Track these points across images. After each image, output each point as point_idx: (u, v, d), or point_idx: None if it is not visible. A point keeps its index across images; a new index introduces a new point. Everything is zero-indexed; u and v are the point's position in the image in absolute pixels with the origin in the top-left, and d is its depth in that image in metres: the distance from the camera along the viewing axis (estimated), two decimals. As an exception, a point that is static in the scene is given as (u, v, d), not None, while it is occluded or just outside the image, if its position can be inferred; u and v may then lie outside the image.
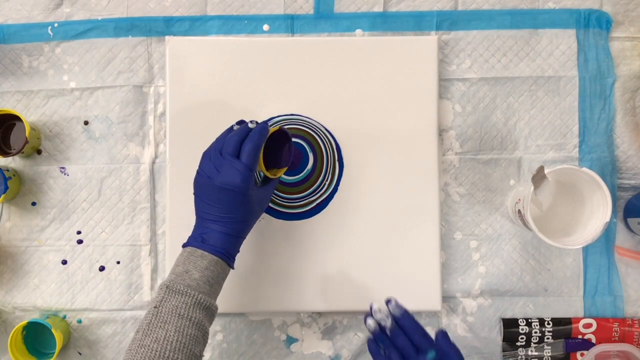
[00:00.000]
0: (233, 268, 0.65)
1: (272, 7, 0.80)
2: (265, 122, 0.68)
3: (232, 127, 0.68)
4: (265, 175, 0.69)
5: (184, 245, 0.65)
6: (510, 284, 0.78)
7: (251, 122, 0.66)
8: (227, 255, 0.64)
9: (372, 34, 0.80)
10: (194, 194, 0.65)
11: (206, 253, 0.62)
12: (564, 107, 0.80)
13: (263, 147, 0.65)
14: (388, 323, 0.64)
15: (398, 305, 0.64)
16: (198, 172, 0.65)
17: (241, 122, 0.69)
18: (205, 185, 0.64)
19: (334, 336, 0.79)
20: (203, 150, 0.66)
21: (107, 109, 0.80)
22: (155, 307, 0.60)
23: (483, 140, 0.80)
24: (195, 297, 0.60)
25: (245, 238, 0.67)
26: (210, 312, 0.62)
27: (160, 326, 0.58)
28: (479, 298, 0.79)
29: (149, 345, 0.57)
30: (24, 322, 0.74)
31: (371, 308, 0.65)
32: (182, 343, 0.58)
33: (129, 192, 0.79)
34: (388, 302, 0.65)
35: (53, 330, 0.73)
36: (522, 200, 0.71)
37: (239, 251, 0.66)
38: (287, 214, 0.78)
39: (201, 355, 0.61)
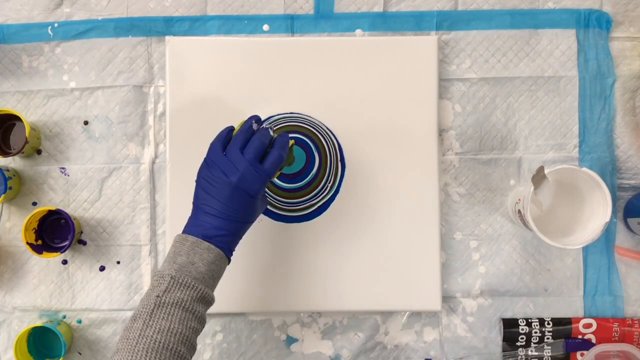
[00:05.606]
0: (230, 262, 0.66)
1: (272, 7, 0.80)
2: (286, 134, 0.68)
3: (250, 124, 0.66)
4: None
5: (184, 233, 0.63)
6: (510, 284, 0.78)
7: (270, 128, 0.66)
8: (229, 251, 0.64)
9: (372, 34, 0.80)
10: (199, 185, 0.64)
11: (212, 246, 0.62)
12: (564, 107, 0.79)
13: None
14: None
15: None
16: (209, 165, 0.64)
17: (256, 119, 0.68)
18: (219, 182, 0.63)
19: (334, 336, 0.79)
20: (203, 150, 0.66)
21: (107, 109, 0.80)
22: (157, 296, 0.59)
23: (483, 140, 0.80)
24: (202, 291, 0.60)
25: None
26: (210, 304, 0.63)
27: (164, 317, 0.58)
28: (479, 298, 0.79)
29: (151, 336, 0.57)
30: (33, 325, 0.74)
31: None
32: (185, 336, 0.58)
33: (129, 192, 0.79)
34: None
35: (62, 337, 0.74)
36: (522, 200, 0.71)
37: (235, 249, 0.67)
38: (288, 217, 0.78)
39: (196, 345, 0.61)
